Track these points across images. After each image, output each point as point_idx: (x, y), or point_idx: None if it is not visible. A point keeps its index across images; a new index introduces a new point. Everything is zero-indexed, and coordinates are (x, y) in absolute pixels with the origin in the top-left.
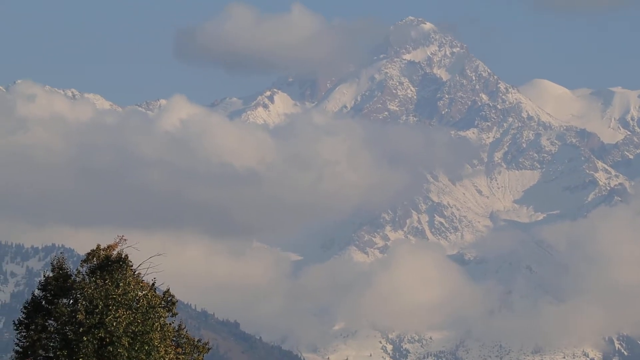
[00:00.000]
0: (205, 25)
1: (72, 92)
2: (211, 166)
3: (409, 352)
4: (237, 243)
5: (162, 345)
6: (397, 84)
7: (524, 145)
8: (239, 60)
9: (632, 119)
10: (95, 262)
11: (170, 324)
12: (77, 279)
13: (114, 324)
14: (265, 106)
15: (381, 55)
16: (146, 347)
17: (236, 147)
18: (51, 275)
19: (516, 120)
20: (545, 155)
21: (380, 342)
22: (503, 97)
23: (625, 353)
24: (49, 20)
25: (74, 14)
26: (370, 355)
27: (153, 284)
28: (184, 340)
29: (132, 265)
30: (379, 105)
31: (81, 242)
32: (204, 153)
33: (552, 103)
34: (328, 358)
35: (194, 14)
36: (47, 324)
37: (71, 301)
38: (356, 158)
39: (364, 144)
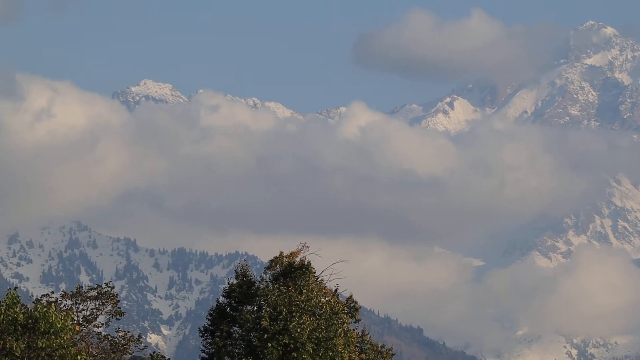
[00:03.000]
0: (384, 31)
1: (253, 101)
2: (392, 173)
3: (594, 357)
4: (419, 249)
5: (346, 351)
6: (578, 88)
7: None
8: (418, 66)
9: None
10: (278, 269)
11: (353, 330)
12: (261, 285)
13: (298, 330)
14: (445, 112)
15: (561, 60)
16: (330, 353)
17: (417, 154)
18: (235, 282)
19: None
20: None
21: (565, 347)
22: None
23: None
24: (227, 31)
25: (253, 23)
26: None
27: (336, 290)
28: (368, 346)
29: (314, 272)
30: (560, 110)
31: (264, 249)
32: (385, 160)
33: None
34: None
35: (374, 21)
36: (232, 330)
37: (255, 308)
38: (538, 163)
39: (545, 149)
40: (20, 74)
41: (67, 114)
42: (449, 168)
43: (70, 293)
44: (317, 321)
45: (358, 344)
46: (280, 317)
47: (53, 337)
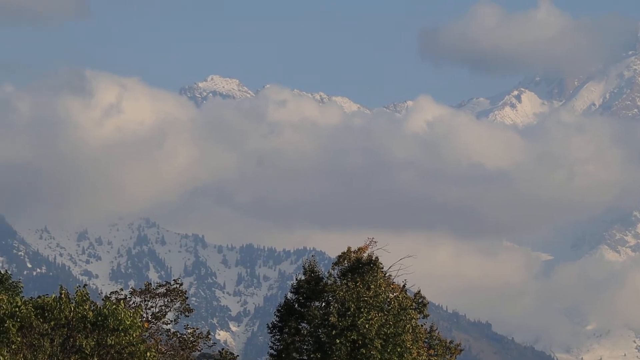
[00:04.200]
0: (450, 25)
1: (320, 96)
2: (460, 167)
3: None
4: (487, 243)
5: (414, 347)
6: None
7: None
8: (484, 59)
9: None
10: (346, 265)
11: (421, 325)
12: (329, 281)
13: (367, 326)
14: (512, 106)
15: (629, 52)
16: (398, 349)
17: (485, 147)
18: (303, 278)
19: None
20: None
21: (635, 342)
22: None
23: None
24: (293, 26)
25: (319, 18)
26: (625, 355)
27: (404, 286)
28: (436, 341)
29: (382, 267)
30: (628, 102)
31: (332, 244)
32: (453, 154)
33: None
34: (582, 358)
35: (440, 14)
36: (300, 326)
37: (323, 304)
38: (606, 156)
39: (613, 142)
40: (89, 70)
41: (136, 110)
42: (517, 161)
43: (139, 290)
44: (385, 317)
45: (426, 340)
46: (349, 313)
47: (122, 334)
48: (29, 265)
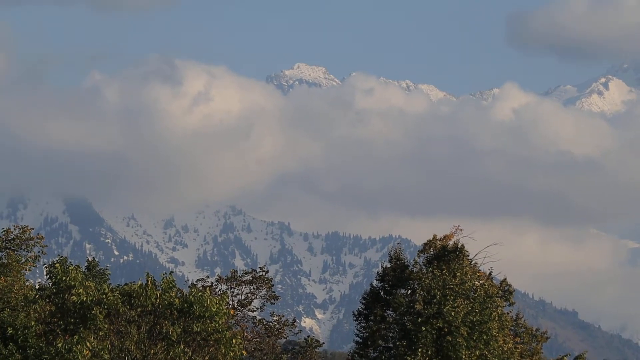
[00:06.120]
0: (537, 11)
1: (406, 84)
2: (548, 154)
3: None
4: (574, 231)
5: (500, 335)
6: None
7: None
8: (571, 47)
9: None
10: (431, 252)
11: (507, 313)
12: (415, 269)
13: (452, 314)
14: (599, 93)
15: None
16: (484, 337)
17: (573, 135)
18: (389, 266)
19: None
20: None
21: None
22: None
23: None
24: (378, 13)
25: (405, 6)
26: None
27: (490, 274)
28: (522, 329)
29: (468, 255)
30: None
31: (417, 232)
32: (540, 141)
33: None
34: None
35: (527, 1)
36: (385, 314)
37: (409, 291)
38: None
39: None
40: (178, 59)
41: (224, 98)
42: (605, 149)
43: (225, 277)
44: (471, 305)
45: (512, 328)
46: (434, 300)
47: (208, 321)
48: (116, 253)
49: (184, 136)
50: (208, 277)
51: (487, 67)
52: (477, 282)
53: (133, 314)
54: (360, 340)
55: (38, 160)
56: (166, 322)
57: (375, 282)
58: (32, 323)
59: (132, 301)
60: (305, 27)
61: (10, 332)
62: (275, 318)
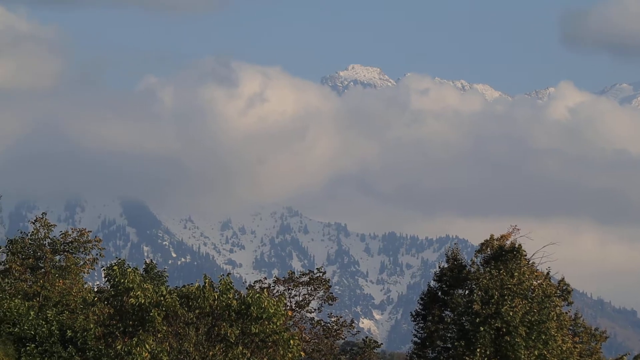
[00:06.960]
0: (593, 9)
1: (461, 83)
2: (605, 153)
3: None
4: (632, 229)
5: (559, 334)
6: None
7: None
8: (627, 45)
9: None
10: (489, 252)
11: (566, 313)
12: (472, 269)
13: (510, 314)
14: None
15: None
16: (543, 337)
17: (629, 133)
18: (446, 266)
19: None
20: None
21: None
22: None
23: None
24: (432, 14)
25: (458, 5)
26: None
27: (548, 273)
28: (581, 329)
29: (525, 255)
30: None
31: (474, 232)
32: (597, 140)
33: None
34: None
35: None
36: (443, 314)
37: (467, 292)
38: None
39: None
40: (234, 60)
41: (279, 100)
42: None
43: (283, 279)
44: (529, 304)
45: (571, 327)
46: (492, 300)
47: (266, 322)
48: (174, 255)
49: (240, 138)
50: (265, 278)
51: (542, 66)
52: (534, 282)
53: (191, 316)
54: (419, 341)
55: (95, 163)
56: (224, 324)
57: (432, 283)
58: (91, 325)
59: (190, 303)
60: (360, 28)
61: (70, 334)
62: (333, 319)
